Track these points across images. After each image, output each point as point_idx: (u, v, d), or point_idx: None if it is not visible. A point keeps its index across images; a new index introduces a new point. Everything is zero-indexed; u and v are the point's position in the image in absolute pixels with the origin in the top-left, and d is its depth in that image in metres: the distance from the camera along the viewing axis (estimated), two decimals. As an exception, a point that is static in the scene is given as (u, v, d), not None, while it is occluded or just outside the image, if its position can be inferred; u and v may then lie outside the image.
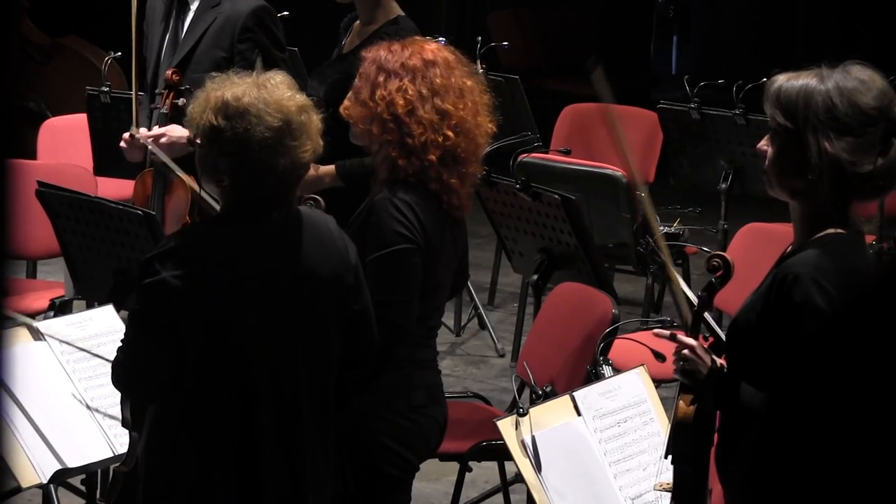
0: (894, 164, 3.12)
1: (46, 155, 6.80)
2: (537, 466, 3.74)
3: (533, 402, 3.91)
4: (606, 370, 4.25)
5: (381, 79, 3.89)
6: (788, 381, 3.04)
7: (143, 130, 5.18)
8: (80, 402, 4.05)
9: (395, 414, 3.90)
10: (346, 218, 3.89)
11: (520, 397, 4.42)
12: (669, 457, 3.35)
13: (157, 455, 3.48)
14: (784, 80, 3.16)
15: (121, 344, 3.50)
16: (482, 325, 7.37)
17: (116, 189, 6.18)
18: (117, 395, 3.68)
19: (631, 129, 7.26)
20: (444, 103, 3.87)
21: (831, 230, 3.15)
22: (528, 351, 4.89)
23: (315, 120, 3.51)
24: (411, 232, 3.82)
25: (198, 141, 3.49)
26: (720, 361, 3.28)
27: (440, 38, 4.64)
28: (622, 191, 6.15)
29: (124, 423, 3.74)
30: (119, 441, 4.02)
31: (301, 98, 3.51)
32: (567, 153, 6.33)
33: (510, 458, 3.78)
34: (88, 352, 4.06)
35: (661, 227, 6.09)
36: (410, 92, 3.86)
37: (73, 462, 3.95)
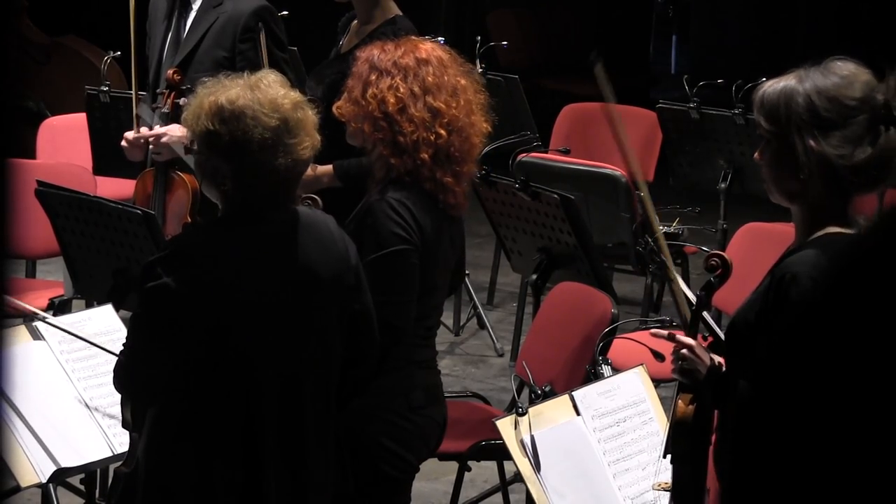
0: (885, 153, 3.12)
1: (46, 154, 6.80)
2: (536, 466, 3.74)
3: (532, 402, 3.91)
4: (605, 370, 4.25)
5: (373, 77, 3.89)
6: (769, 370, 3.03)
7: (143, 130, 5.18)
8: (80, 401, 4.05)
9: (394, 415, 3.90)
10: (345, 218, 3.89)
11: (519, 397, 4.42)
12: (668, 456, 3.35)
13: (157, 456, 3.48)
14: (766, 86, 3.18)
15: (122, 347, 3.50)
16: (481, 325, 7.36)
17: (116, 188, 6.18)
18: (117, 394, 3.68)
19: (630, 129, 7.23)
20: (436, 101, 3.87)
21: (831, 229, 3.15)
22: (528, 350, 4.89)
23: (311, 115, 3.51)
24: (408, 233, 3.81)
25: (195, 147, 3.49)
26: (719, 361, 3.28)
27: (439, 38, 4.63)
28: (621, 190, 6.14)
29: (124, 424, 3.74)
30: (118, 441, 4.02)
31: (295, 95, 3.50)
32: (566, 153, 6.33)
33: (509, 457, 3.78)
34: (88, 341, 4.05)
35: (661, 227, 6.10)
36: (402, 90, 3.86)
37: (72, 461, 3.95)
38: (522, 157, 5.96)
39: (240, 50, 5.15)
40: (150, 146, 5.15)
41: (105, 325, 4.19)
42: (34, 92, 9.14)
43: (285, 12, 5.46)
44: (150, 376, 3.47)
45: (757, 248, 5.31)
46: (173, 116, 5.07)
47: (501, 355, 7.09)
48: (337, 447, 3.65)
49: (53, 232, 5.03)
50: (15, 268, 6.40)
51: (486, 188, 5.38)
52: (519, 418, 3.77)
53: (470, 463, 4.81)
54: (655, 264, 3.81)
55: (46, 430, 3.95)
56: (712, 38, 12.14)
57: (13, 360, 3.99)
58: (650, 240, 3.70)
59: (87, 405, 4.04)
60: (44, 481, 3.93)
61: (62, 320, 4.21)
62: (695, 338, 3.30)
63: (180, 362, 3.41)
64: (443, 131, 3.86)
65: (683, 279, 3.73)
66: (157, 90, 5.27)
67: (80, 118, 6.63)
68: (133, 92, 5.37)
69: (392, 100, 3.84)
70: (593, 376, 4.26)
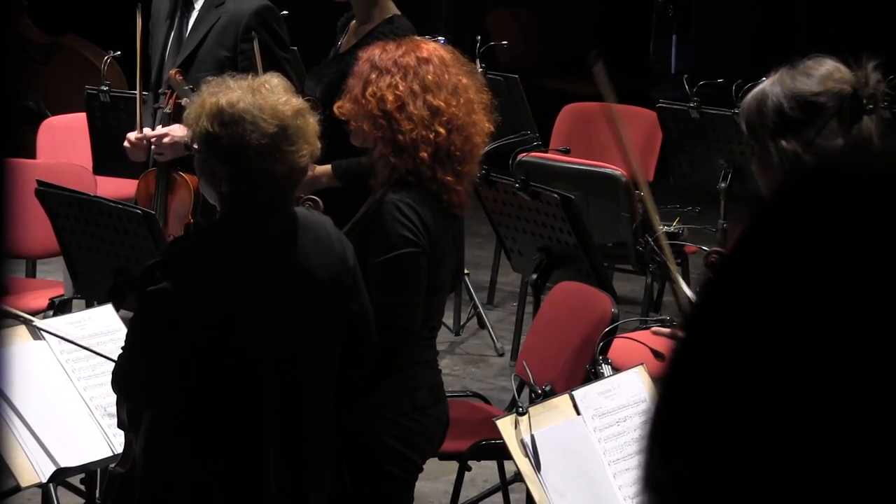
0: (859, 143, 3.12)
1: (46, 154, 6.79)
2: (536, 465, 3.74)
3: (532, 402, 3.90)
4: (606, 369, 4.24)
5: (373, 76, 3.89)
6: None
7: (146, 130, 5.18)
8: (80, 401, 4.05)
9: (399, 415, 3.90)
10: (345, 218, 3.89)
11: (519, 396, 4.41)
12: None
13: (155, 456, 3.48)
14: (749, 94, 3.20)
15: (121, 351, 3.50)
16: (481, 325, 7.36)
17: (116, 188, 6.18)
18: (116, 394, 3.68)
19: (630, 129, 7.24)
20: (435, 100, 3.86)
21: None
22: (528, 350, 4.89)
23: (312, 123, 3.50)
24: (416, 235, 3.81)
25: (195, 146, 3.49)
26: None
27: (439, 38, 4.64)
28: (621, 190, 6.14)
29: (120, 425, 3.74)
30: (118, 440, 4.02)
31: (297, 101, 3.49)
32: (566, 152, 6.33)
33: (509, 457, 3.78)
34: (87, 349, 4.05)
35: (661, 226, 6.10)
36: (401, 88, 3.85)
37: (72, 461, 3.95)
38: (522, 156, 5.96)
39: (242, 50, 5.15)
40: (153, 146, 5.15)
41: (105, 325, 4.19)
42: (34, 92, 9.14)
43: (285, 12, 5.46)
44: (148, 379, 3.47)
45: (757, 247, 5.31)
46: (175, 116, 5.07)
47: (502, 355, 7.09)
48: (334, 447, 3.65)
49: (53, 232, 5.03)
50: (15, 268, 6.40)
51: (486, 188, 5.38)
52: (519, 418, 3.77)
53: (470, 462, 4.81)
54: (655, 264, 3.81)
55: (46, 429, 3.94)
56: (712, 37, 12.14)
57: (13, 359, 3.99)
58: (650, 239, 3.70)
59: (87, 405, 4.04)
60: (44, 481, 3.92)
61: (61, 320, 4.21)
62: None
63: (179, 365, 3.41)
64: (442, 129, 3.85)
65: (683, 279, 3.73)
66: (160, 90, 5.28)
67: (80, 118, 6.62)
68: (138, 93, 5.37)
69: (391, 98, 3.84)
70: (593, 376, 4.26)
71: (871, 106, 3.11)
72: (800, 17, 11.40)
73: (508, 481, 5.04)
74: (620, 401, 4.00)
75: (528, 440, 3.75)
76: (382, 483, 3.89)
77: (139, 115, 5.29)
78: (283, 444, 3.48)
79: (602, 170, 6.30)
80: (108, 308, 4.27)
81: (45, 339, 4.10)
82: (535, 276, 5.32)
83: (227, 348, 3.41)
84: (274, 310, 3.46)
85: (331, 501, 3.68)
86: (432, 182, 3.86)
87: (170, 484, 3.47)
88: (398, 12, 5.15)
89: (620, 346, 4.75)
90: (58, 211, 4.94)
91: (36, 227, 5.58)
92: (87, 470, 4.14)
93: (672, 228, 6.14)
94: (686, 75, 7.29)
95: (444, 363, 6.81)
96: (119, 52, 6.58)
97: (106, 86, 6.43)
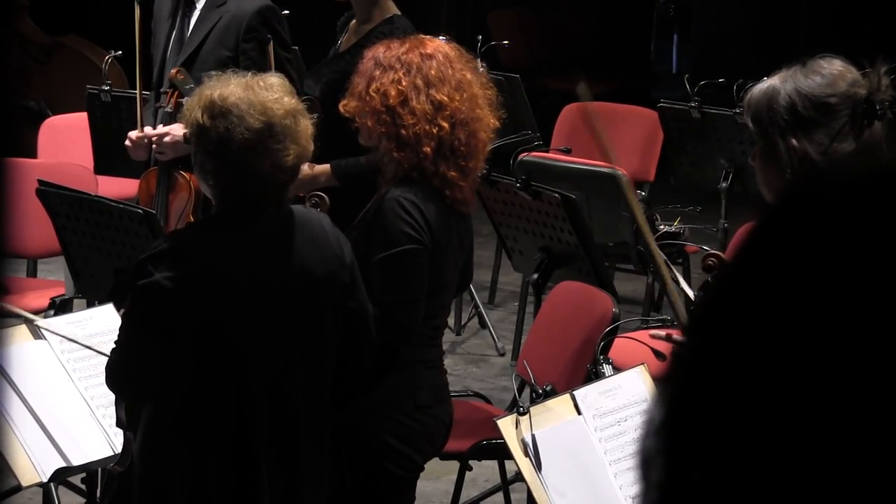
0: (869, 148, 3.12)
1: (47, 154, 6.79)
2: (537, 465, 3.74)
3: (533, 401, 3.90)
4: (607, 369, 4.24)
5: (376, 73, 3.90)
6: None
7: (147, 129, 5.19)
8: (81, 400, 4.05)
9: (400, 414, 3.90)
10: (345, 217, 3.89)
11: (520, 396, 4.41)
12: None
13: (152, 456, 3.48)
14: (755, 87, 3.19)
15: (114, 346, 3.50)
16: (482, 324, 7.36)
17: (117, 188, 6.18)
18: (117, 394, 3.68)
19: (631, 128, 7.26)
20: (438, 94, 3.87)
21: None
22: (529, 350, 4.88)
23: (305, 124, 3.49)
24: (418, 232, 3.81)
25: (190, 140, 3.51)
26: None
27: (441, 38, 4.63)
28: (622, 189, 6.14)
29: (119, 423, 3.74)
30: (119, 440, 4.02)
31: (291, 102, 3.49)
32: (567, 152, 6.33)
33: (510, 456, 3.78)
34: (90, 347, 4.05)
35: (661, 226, 6.10)
36: (404, 83, 3.86)
37: (73, 461, 3.95)
38: (523, 156, 5.96)
39: (243, 49, 5.15)
40: (154, 145, 5.15)
41: (106, 324, 4.19)
42: (35, 91, 9.14)
43: (286, 11, 5.46)
44: (141, 374, 3.47)
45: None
46: (176, 115, 5.07)
47: (502, 354, 7.09)
48: (333, 445, 3.65)
49: (54, 231, 5.03)
50: (15, 267, 6.40)
51: (487, 187, 5.38)
52: (520, 417, 3.77)
53: (471, 462, 4.81)
54: (655, 264, 3.81)
55: (47, 429, 3.94)
56: (713, 37, 12.13)
57: (14, 358, 3.99)
58: (642, 248, 3.71)
59: (88, 404, 4.04)
60: (45, 481, 3.92)
61: (62, 320, 4.21)
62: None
63: (172, 360, 3.41)
64: (445, 124, 3.85)
65: (685, 278, 3.73)
66: (161, 89, 5.28)
67: (81, 117, 6.62)
68: (137, 92, 5.37)
69: (394, 93, 3.85)
70: (594, 376, 4.26)
71: (882, 111, 3.11)
72: (801, 16, 11.40)
73: (509, 481, 5.04)
74: (621, 401, 4.00)
75: (528, 440, 3.75)
76: (383, 482, 3.90)
77: (140, 114, 5.29)
78: (276, 442, 3.48)
79: (603, 169, 6.30)
80: (109, 308, 4.27)
81: (45, 338, 4.10)
82: (535, 276, 5.32)
83: (218, 343, 3.41)
84: (266, 307, 3.46)
85: (331, 500, 3.68)
86: (435, 178, 3.86)
87: (166, 483, 3.47)
88: (398, 12, 5.15)
89: (621, 346, 4.75)
90: (59, 210, 4.94)
91: (37, 227, 5.58)
92: (88, 469, 4.14)
93: (673, 228, 6.14)
94: (687, 75, 7.28)
95: (445, 363, 6.77)
96: (120, 52, 6.58)
97: (107, 85, 6.43)
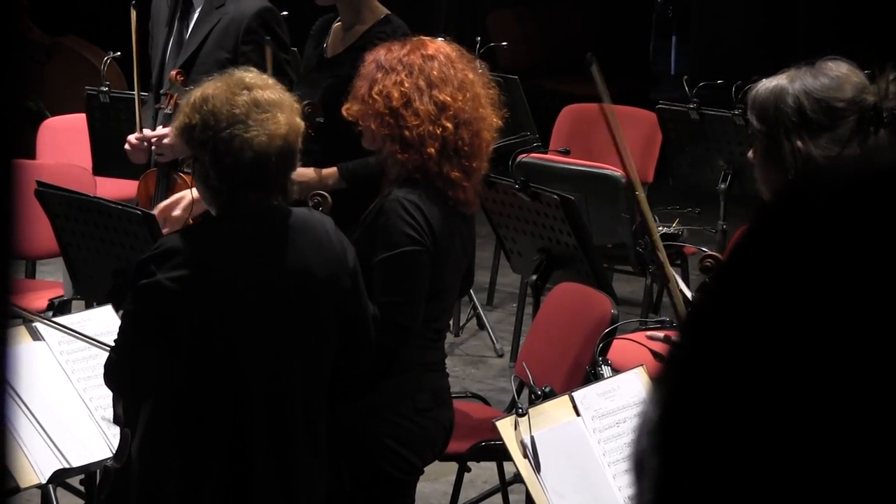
0: (874, 153, 3.12)
1: (45, 155, 6.79)
2: (536, 467, 3.74)
3: (532, 403, 3.90)
4: (605, 370, 4.24)
5: (379, 75, 3.90)
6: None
7: (146, 131, 5.18)
8: (79, 401, 4.05)
9: (399, 416, 3.90)
10: (350, 219, 3.89)
11: (519, 397, 4.41)
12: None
13: (150, 454, 3.48)
14: (760, 85, 3.19)
15: (113, 344, 3.50)
16: (481, 326, 7.36)
17: (116, 189, 6.18)
18: (116, 394, 3.68)
19: (630, 130, 7.25)
20: (441, 95, 3.87)
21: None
22: (527, 351, 4.88)
23: (288, 99, 3.52)
24: (419, 233, 3.82)
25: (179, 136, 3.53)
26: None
27: (439, 38, 4.63)
28: (621, 191, 6.14)
29: (116, 420, 3.75)
30: (118, 441, 4.02)
31: (267, 79, 3.53)
32: (566, 153, 6.33)
33: (509, 458, 3.78)
34: (93, 339, 4.05)
35: (660, 228, 6.10)
36: (407, 84, 3.87)
37: (72, 462, 3.95)
38: (522, 157, 5.96)
39: (242, 51, 5.15)
40: (153, 147, 5.15)
41: (105, 325, 4.19)
42: (34, 92, 9.13)
43: (285, 13, 5.45)
44: (140, 372, 3.48)
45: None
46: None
47: (501, 356, 7.09)
48: (329, 446, 3.65)
49: (53, 232, 5.02)
50: (14, 268, 6.39)
51: (486, 189, 5.38)
52: (519, 419, 3.77)
53: (470, 463, 4.81)
54: (655, 265, 3.81)
55: (46, 430, 3.94)
56: (712, 38, 12.13)
57: (13, 359, 3.98)
58: (647, 240, 3.71)
59: (86, 406, 4.04)
60: (43, 482, 3.92)
61: (61, 321, 4.21)
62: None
63: (170, 359, 3.41)
64: (449, 124, 3.86)
65: (683, 280, 3.73)
66: (161, 91, 5.28)
67: (80, 118, 6.62)
68: (136, 94, 5.37)
69: (396, 95, 3.86)
70: (593, 377, 4.26)
71: (889, 119, 3.11)
72: (800, 17, 11.40)
73: (508, 482, 5.04)
74: (620, 402, 4.00)
75: (527, 441, 3.75)
76: (382, 484, 3.90)
77: (138, 115, 5.29)
78: (273, 443, 3.48)
79: (602, 171, 6.30)
80: (108, 309, 4.27)
81: (44, 339, 4.10)
82: (534, 277, 5.32)
83: (218, 344, 3.42)
84: (267, 308, 3.46)
85: (329, 501, 3.68)
86: (438, 179, 3.86)
87: (164, 481, 3.47)
88: (388, 11, 5.11)
89: (620, 348, 4.74)
90: (57, 211, 4.94)
91: (36, 228, 5.58)
92: (87, 471, 4.13)
93: (672, 229, 6.15)
94: (686, 76, 7.29)
95: (444, 364, 6.82)
96: (119, 53, 6.58)
97: (106, 86, 6.43)
